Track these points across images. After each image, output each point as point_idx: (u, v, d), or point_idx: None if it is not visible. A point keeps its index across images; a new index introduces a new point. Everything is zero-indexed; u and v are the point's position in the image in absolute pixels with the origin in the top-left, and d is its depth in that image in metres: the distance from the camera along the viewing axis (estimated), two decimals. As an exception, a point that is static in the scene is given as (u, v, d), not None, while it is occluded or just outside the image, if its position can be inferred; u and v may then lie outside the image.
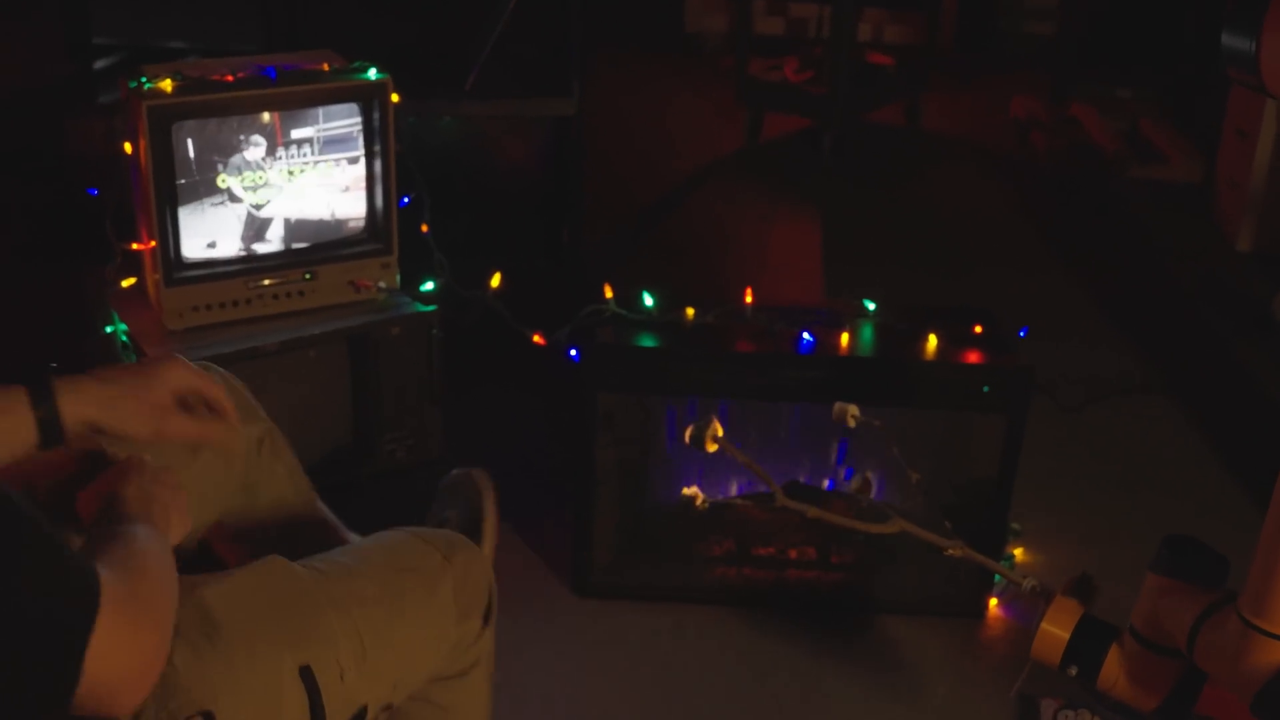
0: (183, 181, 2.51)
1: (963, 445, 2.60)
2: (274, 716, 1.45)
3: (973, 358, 2.52)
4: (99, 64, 5.64)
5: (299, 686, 1.46)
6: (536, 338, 2.75)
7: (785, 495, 2.65)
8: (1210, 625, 1.85)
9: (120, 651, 1.19)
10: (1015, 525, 2.76)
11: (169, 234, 2.52)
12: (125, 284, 2.67)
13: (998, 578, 2.55)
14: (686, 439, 2.19)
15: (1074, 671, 1.99)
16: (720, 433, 2.18)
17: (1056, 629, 2.02)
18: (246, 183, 2.59)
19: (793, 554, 2.69)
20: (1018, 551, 2.78)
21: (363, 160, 2.63)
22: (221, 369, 1.85)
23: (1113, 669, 1.99)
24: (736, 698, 2.45)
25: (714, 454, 2.22)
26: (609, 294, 2.63)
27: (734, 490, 2.77)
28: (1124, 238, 4.55)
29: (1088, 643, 2.00)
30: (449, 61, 4.00)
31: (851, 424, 2.22)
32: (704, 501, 2.28)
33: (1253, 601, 1.78)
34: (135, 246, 2.62)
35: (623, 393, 2.58)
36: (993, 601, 2.66)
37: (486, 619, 1.77)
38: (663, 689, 2.46)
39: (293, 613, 1.52)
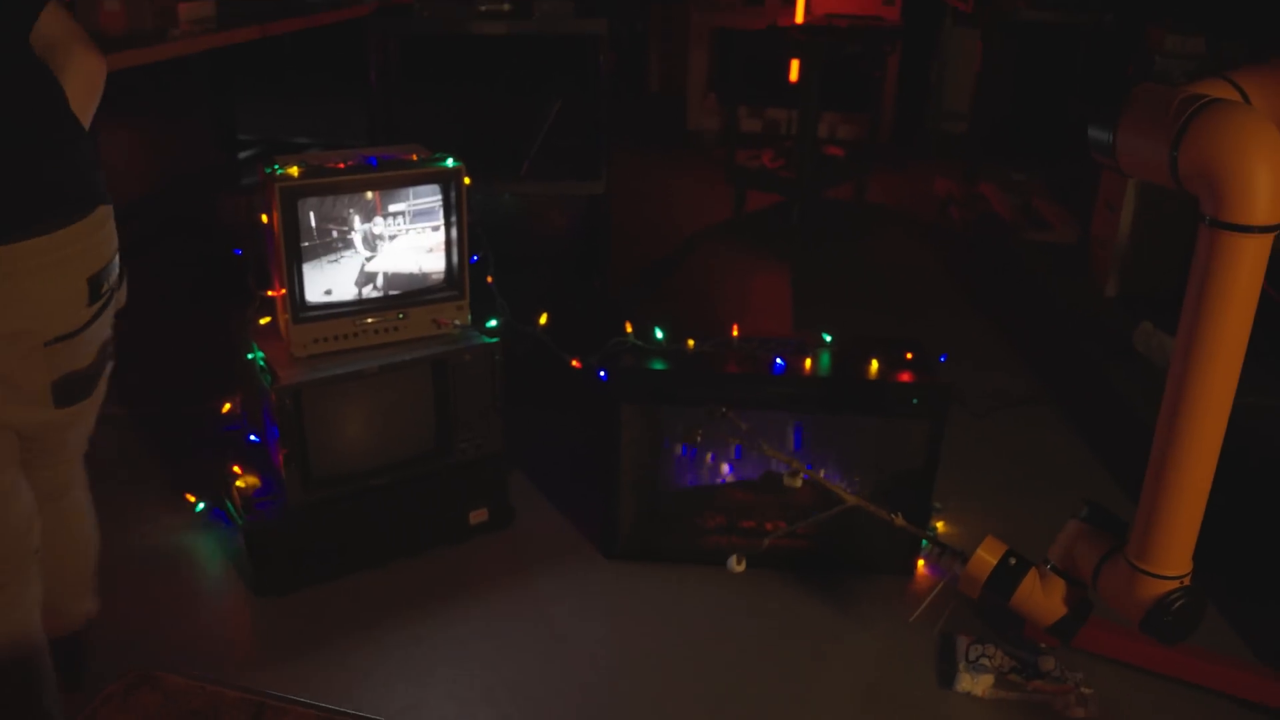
0: (306, 244, 2.50)
1: (897, 444, 2.57)
2: None
3: (905, 377, 2.52)
4: (243, 155, 5.69)
5: None
6: (574, 362, 2.75)
7: (762, 482, 2.63)
8: (1109, 565, 1.91)
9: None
10: (937, 504, 2.74)
11: (296, 284, 2.51)
12: (263, 321, 2.65)
13: (924, 543, 2.56)
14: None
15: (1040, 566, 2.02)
16: (725, 409, 2.22)
17: (988, 555, 2.06)
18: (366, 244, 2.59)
19: (769, 526, 2.66)
20: (939, 524, 2.76)
21: (443, 228, 2.62)
22: None
23: (1026, 590, 2.03)
24: (726, 632, 2.45)
25: (709, 453, 2.15)
26: (629, 329, 2.63)
27: (726, 472, 2.76)
28: (1019, 286, 4.52)
29: (1009, 569, 2.04)
30: (508, 153, 4.03)
31: (739, 568, 2.35)
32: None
33: (1136, 549, 1.84)
34: (270, 293, 2.60)
35: (640, 404, 2.57)
36: (920, 562, 2.65)
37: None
38: (671, 628, 2.46)
39: None
